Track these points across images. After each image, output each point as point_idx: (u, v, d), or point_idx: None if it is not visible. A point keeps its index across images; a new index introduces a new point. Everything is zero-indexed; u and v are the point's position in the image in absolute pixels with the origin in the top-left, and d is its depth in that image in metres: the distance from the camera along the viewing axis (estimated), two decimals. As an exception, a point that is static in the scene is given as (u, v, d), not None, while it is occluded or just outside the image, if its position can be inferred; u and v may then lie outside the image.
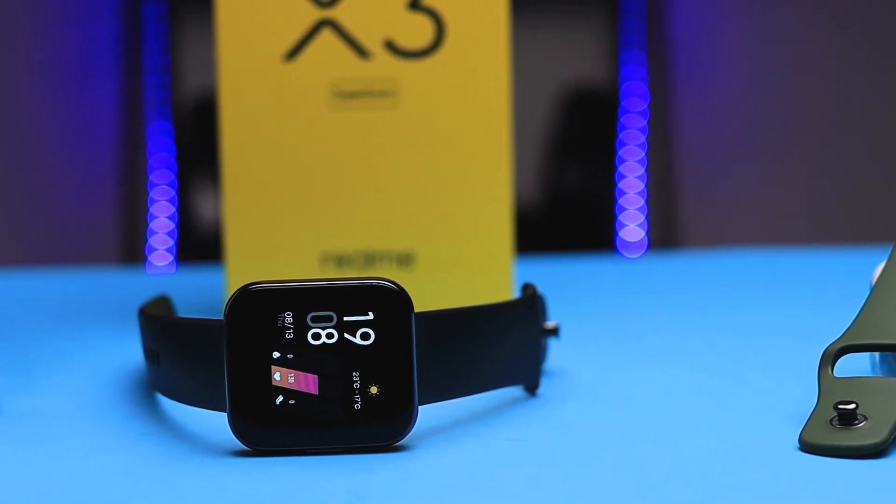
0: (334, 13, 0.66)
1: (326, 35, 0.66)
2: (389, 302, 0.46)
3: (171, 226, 1.77)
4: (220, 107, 0.67)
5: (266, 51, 0.66)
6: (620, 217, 1.79)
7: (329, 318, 0.46)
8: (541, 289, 0.55)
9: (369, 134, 0.67)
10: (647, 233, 1.80)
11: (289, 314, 0.46)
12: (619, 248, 1.78)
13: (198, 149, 1.83)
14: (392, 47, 0.66)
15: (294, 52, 0.66)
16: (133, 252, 1.79)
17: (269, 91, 0.67)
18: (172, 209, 1.78)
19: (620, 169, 1.80)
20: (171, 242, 1.77)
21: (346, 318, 0.46)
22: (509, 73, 0.67)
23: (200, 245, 1.79)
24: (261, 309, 0.46)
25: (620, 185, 1.79)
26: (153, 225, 1.77)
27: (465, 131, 0.67)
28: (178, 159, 1.79)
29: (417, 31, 0.66)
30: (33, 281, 0.97)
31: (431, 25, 0.66)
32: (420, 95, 0.67)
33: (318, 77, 0.67)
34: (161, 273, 1.52)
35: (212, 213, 1.79)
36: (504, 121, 0.67)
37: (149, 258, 1.77)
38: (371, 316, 0.46)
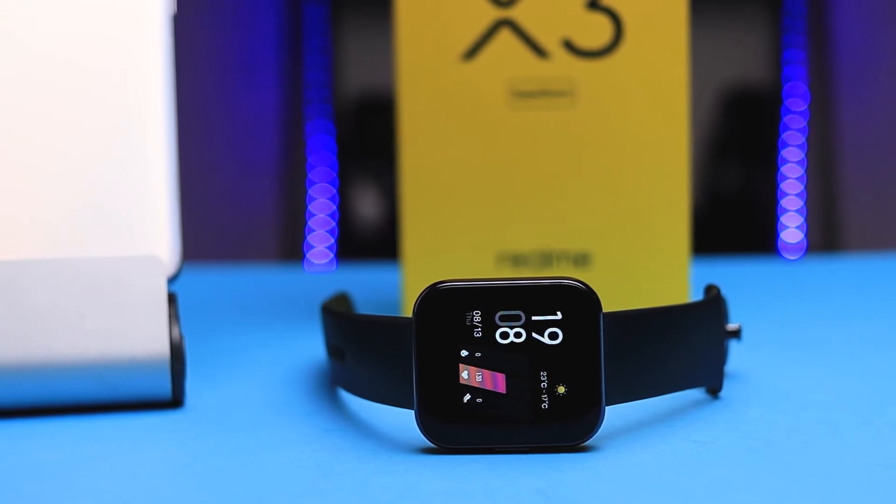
0: (513, 13, 0.66)
1: (505, 35, 0.66)
2: (578, 302, 0.46)
3: (332, 224, 1.79)
4: (399, 106, 0.67)
5: (445, 50, 0.67)
6: (782, 219, 1.77)
7: (517, 318, 0.46)
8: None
9: (547, 133, 0.67)
10: (807, 235, 1.78)
11: (477, 313, 0.46)
12: (780, 251, 1.76)
13: (358, 147, 1.85)
14: (570, 47, 0.66)
15: (472, 52, 0.67)
16: (292, 249, 1.81)
17: (448, 90, 0.67)
18: (332, 207, 1.79)
19: (782, 170, 1.78)
20: (332, 240, 1.79)
21: (534, 318, 0.46)
22: (688, 73, 0.66)
23: (359, 243, 1.80)
24: (449, 307, 0.46)
25: (782, 186, 1.77)
26: (312, 222, 1.79)
27: (643, 131, 0.66)
28: (339, 157, 1.81)
29: (596, 31, 0.66)
30: (200, 277, 0.99)
31: (610, 25, 0.66)
32: (598, 95, 0.66)
33: (496, 76, 0.67)
34: (321, 271, 1.53)
35: (370, 211, 1.80)
36: (682, 121, 0.66)
37: (307, 255, 1.79)
38: (559, 315, 0.46)
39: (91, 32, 0.57)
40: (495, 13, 0.66)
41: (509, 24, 0.66)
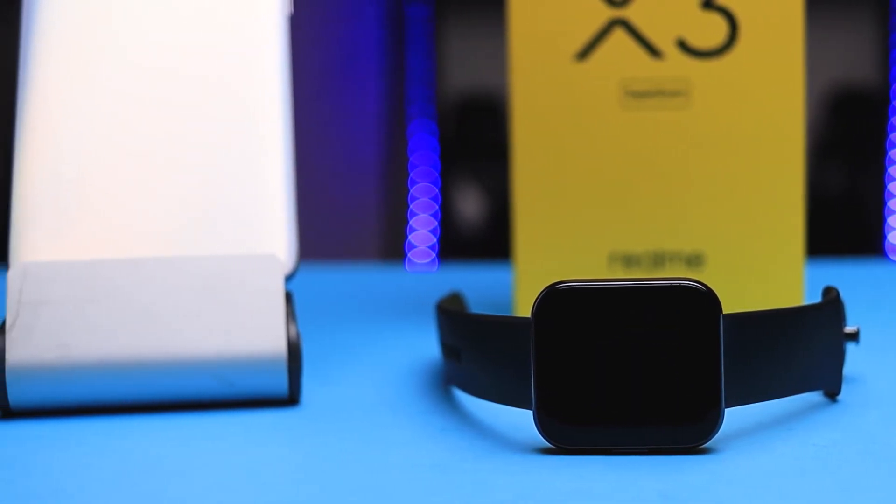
0: (626, 13, 0.66)
1: (618, 34, 0.66)
2: (698, 303, 0.45)
3: (434, 223, 1.79)
4: (512, 106, 0.67)
5: (558, 50, 0.67)
6: (889, 220, 1.74)
7: (636, 318, 0.45)
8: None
9: (660, 134, 0.66)
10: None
11: (596, 313, 0.46)
12: (887, 252, 1.73)
13: (460, 147, 1.85)
14: (684, 46, 0.66)
15: (586, 52, 0.67)
16: (394, 249, 1.82)
17: (561, 90, 0.67)
18: (434, 207, 1.80)
19: (890, 171, 1.75)
20: (433, 240, 1.79)
21: (653, 319, 0.45)
22: (804, 73, 0.66)
23: (461, 243, 1.80)
24: (568, 308, 0.46)
25: (889, 187, 1.75)
26: (414, 222, 1.80)
27: (758, 132, 0.66)
28: (441, 157, 1.81)
29: (710, 31, 0.66)
30: (304, 276, 0.99)
31: (725, 24, 0.66)
32: (712, 95, 0.66)
33: (610, 76, 0.66)
34: (423, 270, 1.54)
35: (472, 211, 1.80)
36: (798, 120, 0.66)
37: (408, 255, 1.79)
38: (679, 317, 0.45)
39: (212, 36, 0.58)
40: (609, 13, 0.66)
41: (623, 23, 0.66)
